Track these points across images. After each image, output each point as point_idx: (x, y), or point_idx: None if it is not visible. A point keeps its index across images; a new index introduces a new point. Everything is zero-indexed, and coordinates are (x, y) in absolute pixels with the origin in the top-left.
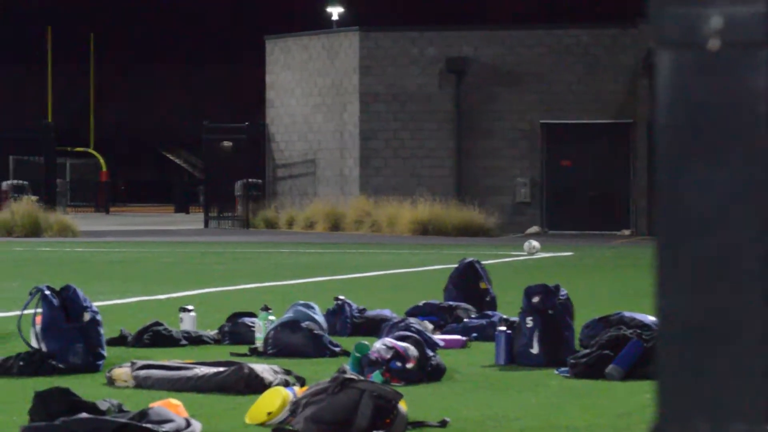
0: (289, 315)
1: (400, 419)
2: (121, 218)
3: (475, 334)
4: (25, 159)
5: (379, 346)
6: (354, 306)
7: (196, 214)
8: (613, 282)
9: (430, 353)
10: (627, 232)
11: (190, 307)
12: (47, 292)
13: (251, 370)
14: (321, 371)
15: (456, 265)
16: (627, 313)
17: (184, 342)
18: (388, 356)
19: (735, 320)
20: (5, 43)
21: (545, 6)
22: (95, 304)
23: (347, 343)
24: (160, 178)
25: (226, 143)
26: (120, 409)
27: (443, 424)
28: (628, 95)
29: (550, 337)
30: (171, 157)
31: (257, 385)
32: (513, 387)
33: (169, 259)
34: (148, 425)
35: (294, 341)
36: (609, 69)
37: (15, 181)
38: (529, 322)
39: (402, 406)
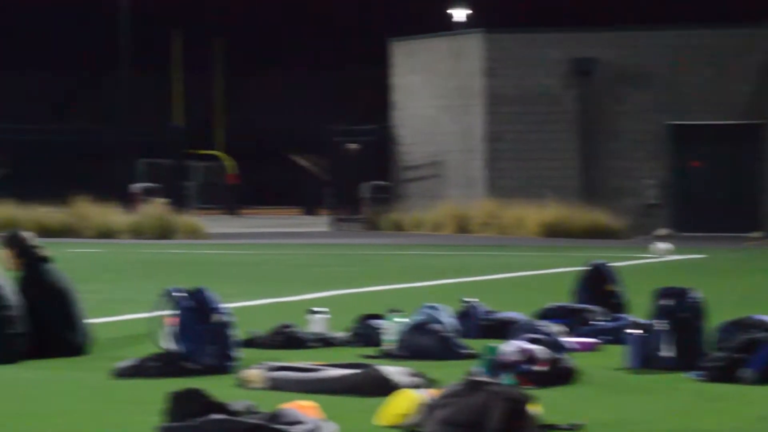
0: (418, 317)
1: (531, 422)
2: (249, 220)
3: (605, 337)
4: (155, 162)
5: (510, 348)
6: (483, 308)
7: (323, 217)
8: (745, 284)
9: (561, 356)
10: (757, 234)
11: (320, 309)
12: (179, 294)
13: (382, 372)
14: (451, 374)
15: (584, 268)
16: (757, 316)
17: (314, 344)
18: (519, 359)
19: None
20: (136, 46)
21: (672, 6)
22: (225, 306)
23: (476, 345)
24: (287, 180)
25: (353, 145)
26: (252, 410)
27: (574, 427)
28: (756, 96)
29: (683, 340)
30: (298, 160)
31: (388, 388)
32: (645, 390)
33: (297, 261)
34: (280, 426)
35: (424, 343)
36: (737, 69)
37: (146, 184)
38: (662, 324)
39: (533, 408)
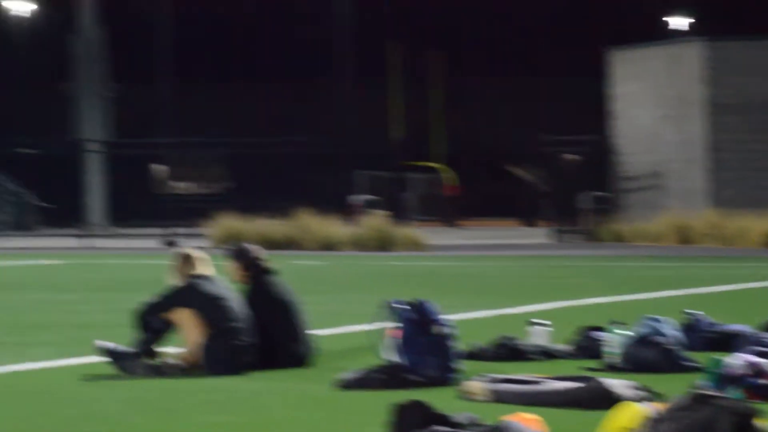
0: (641, 330)
1: None
2: (467, 232)
3: None
4: (375, 174)
5: (737, 361)
6: (707, 321)
7: (542, 228)
8: None
9: None
10: None
11: (542, 322)
12: (401, 306)
13: (605, 385)
14: (675, 387)
15: None
16: None
17: (536, 356)
18: (746, 372)
19: None
20: (355, 57)
21: None
22: (447, 317)
23: (701, 358)
24: (504, 191)
25: (571, 156)
26: (474, 423)
27: None
28: None
29: None
30: (516, 171)
31: (611, 401)
32: None
33: (517, 273)
34: None
35: (647, 356)
36: None
37: (366, 196)
38: None
39: (761, 423)
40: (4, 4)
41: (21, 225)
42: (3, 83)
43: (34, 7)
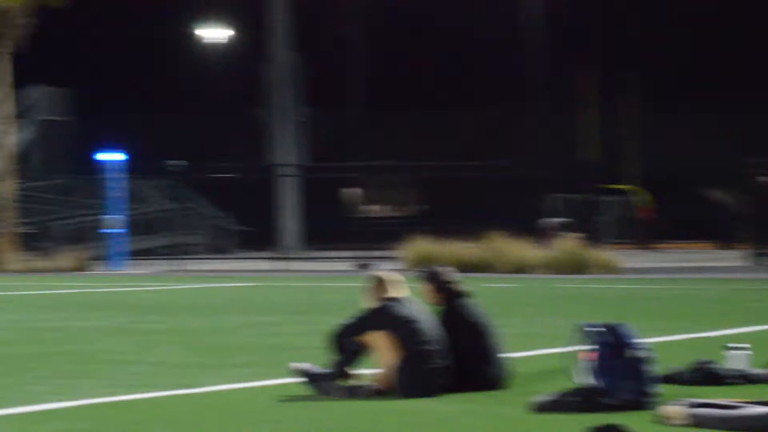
0: None
1: None
2: (662, 255)
3: None
4: (568, 196)
5: None
6: None
7: (738, 251)
8: None
9: None
10: None
11: (740, 345)
12: (595, 329)
13: None
14: None
15: None
16: None
17: (734, 380)
18: None
19: None
20: (549, 81)
21: None
22: (642, 341)
23: None
24: (698, 213)
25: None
26: None
27: None
28: None
29: None
30: (711, 193)
31: None
32: None
33: (714, 296)
34: None
35: None
36: None
37: (560, 219)
38: None
39: None
40: (198, 31)
41: (218, 248)
42: (199, 109)
43: (228, 33)
